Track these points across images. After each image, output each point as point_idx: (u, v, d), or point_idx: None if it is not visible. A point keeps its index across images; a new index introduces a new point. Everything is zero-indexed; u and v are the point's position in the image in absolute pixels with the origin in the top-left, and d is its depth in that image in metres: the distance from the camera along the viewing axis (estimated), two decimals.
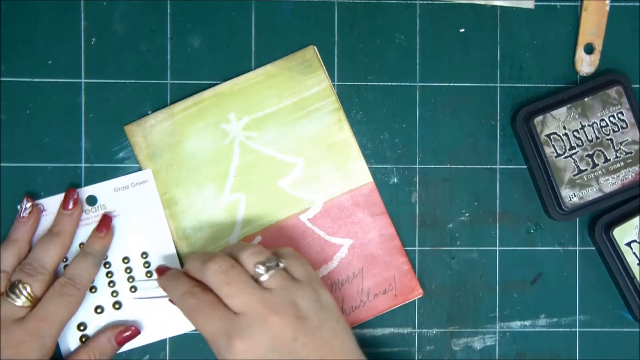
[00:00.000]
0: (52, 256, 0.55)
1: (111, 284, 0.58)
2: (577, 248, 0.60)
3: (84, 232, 0.57)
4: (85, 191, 0.58)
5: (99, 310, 0.58)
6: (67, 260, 0.57)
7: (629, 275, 0.58)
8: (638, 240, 0.58)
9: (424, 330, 0.60)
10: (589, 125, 0.58)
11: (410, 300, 0.59)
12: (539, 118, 0.58)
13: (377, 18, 0.60)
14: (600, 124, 0.58)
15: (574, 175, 0.58)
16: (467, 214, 0.60)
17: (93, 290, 0.58)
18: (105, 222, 0.57)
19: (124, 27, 0.59)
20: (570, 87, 0.60)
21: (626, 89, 0.58)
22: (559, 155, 0.58)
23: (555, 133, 0.58)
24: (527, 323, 0.60)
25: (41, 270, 0.54)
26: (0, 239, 0.57)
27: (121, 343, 0.56)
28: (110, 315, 0.58)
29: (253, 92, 0.59)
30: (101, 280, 0.58)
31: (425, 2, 0.60)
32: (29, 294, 0.53)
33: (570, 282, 0.60)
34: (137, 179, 0.58)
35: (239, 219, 0.59)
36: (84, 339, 0.57)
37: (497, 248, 0.60)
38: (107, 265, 0.58)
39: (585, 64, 0.60)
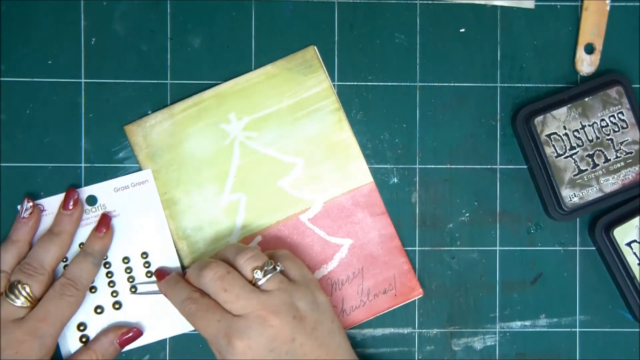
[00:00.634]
0: (52, 256, 0.55)
1: (111, 284, 0.58)
2: (578, 248, 0.60)
3: (84, 232, 0.57)
4: (85, 191, 0.58)
5: (99, 311, 0.58)
6: (67, 260, 0.57)
7: (629, 275, 0.58)
8: (638, 240, 0.58)
9: (424, 330, 0.60)
10: (589, 125, 0.58)
11: (410, 300, 0.59)
12: (539, 118, 0.58)
13: (377, 18, 0.60)
14: (600, 124, 0.58)
15: (574, 175, 0.58)
16: (467, 214, 0.60)
17: (93, 290, 0.58)
18: (104, 222, 0.57)
19: (124, 27, 0.59)
20: (570, 87, 0.60)
21: (626, 89, 0.58)
22: (559, 155, 0.58)
23: (555, 133, 0.58)
24: (527, 323, 0.60)
25: (41, 271, 0.54)
26: (0, 239, 0.57)
27: (123, 345, 0.57)
28: (110, 316, 0.58)
29: (253, 92, 0.59)
30: (101, 280, 0.58)
31: (425, 2, 0.60)
32: (28, 294, 0.53)
33: (570, 282, 0.60)
34: (137, 179, 0.58)
35: (239, 219, 0.59)
36: (84, 339, 0.57)
37: (497, 248, 0.60)
38: (107, 265, 0.58)
39: (586, 64, 0.60)
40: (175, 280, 0.55)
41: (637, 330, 0.60)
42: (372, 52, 0.60)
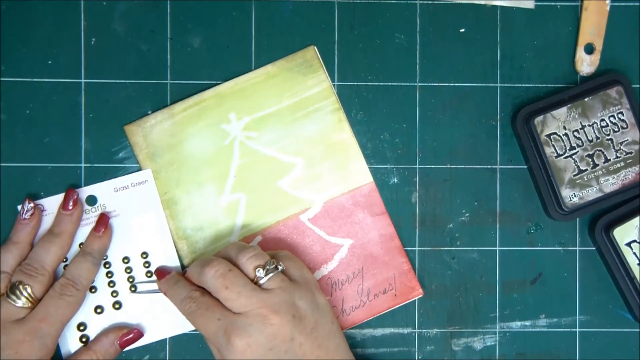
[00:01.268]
0: (52, 257, 0.55)
1: (111, 284, 0.58)
2: (577, 248, 0.60)
3: (84, 232, 0.57)
4: (85, 191, 0.58)
5: (99, 310, 0.58)
6: (67, 260, 0.57)
7: (629, 275, 0.58)
8: (638, 240, 0.58)
9: (424, 330, 0.60)
10: (589, 125, 0.58)
11: (410, 300, 0.59)
12: (539, 118, 0.58)
13: (377, 18, 0.60)
14: (600, 124, 0.58)
15: (574, 175, 0.58)
16: (467, 214, 0.60)
17: (93, 290, 0.58)
18: (103, 222, 0.57)
19: (124, 27, 0.59)
20: (570, 87, 0.60)
21: (626, 89, 0.58)
22: (559, 155, 0.58)
23: (555, 133, 0.58)
24: (527, 323, 0.60)
25: (41, 271, 0.54)
26: (0, 239, 0.57)
27: (124, 346, 0.57)
28: (110, 315, 0.58)
29: (253, 92, 0.59)
30: (101, 280, 0.58)
31: (425, 2, 0.60)
32: (29, 295, 0.53)
33: (570, 282, 0.60)
34: (137, 179, 0.58)
35: (239, 219, 0.59)
36: (84, 339, 0.57)
37: (497, 248, 0.60)
38: (107, 265, 0.58)
39: (586, 64, 0.60)
40: (176, 279, 0.55)
41: (637, 330, 0.60)
42: (372, 52, 0.60)
